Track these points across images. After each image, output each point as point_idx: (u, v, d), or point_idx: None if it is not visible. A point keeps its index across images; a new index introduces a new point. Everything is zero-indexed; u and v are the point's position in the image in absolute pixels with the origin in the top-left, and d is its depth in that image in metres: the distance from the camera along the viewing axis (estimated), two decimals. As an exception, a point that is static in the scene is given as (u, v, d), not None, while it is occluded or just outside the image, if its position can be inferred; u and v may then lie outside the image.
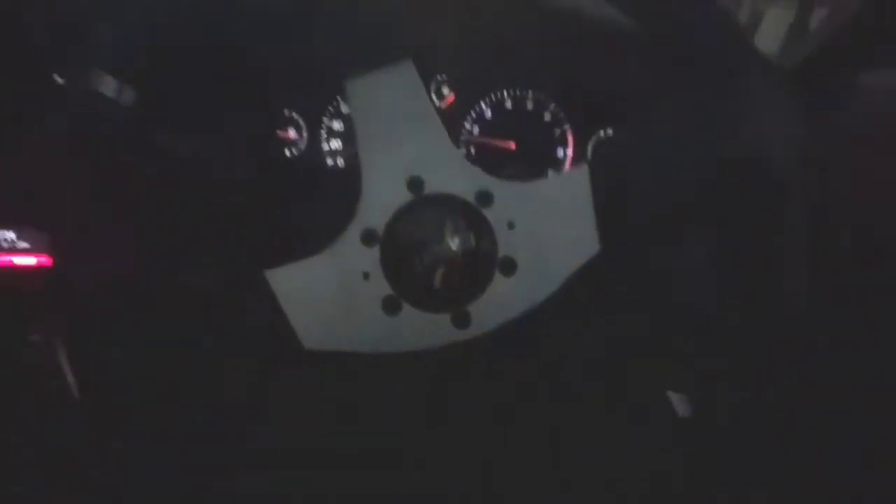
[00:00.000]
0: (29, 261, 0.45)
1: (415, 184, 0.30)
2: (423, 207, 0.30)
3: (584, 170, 0.29)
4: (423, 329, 0.30)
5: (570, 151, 0.55)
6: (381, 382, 0.35)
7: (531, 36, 0.50)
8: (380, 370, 0.31)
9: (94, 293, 0.29)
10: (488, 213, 0.30)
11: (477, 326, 0.30)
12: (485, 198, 0.30)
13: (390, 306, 0.30)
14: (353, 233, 0.30)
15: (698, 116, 0.30)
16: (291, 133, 0.56)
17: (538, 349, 0.39)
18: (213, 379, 0.36)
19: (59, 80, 0.29)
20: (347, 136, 0.56)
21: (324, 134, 0.56)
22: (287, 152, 0.57)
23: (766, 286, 0.32)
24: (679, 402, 0.56)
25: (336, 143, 0.57)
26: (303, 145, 0.57)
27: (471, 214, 0.30)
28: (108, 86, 0.29)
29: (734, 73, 0.28)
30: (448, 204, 0.30)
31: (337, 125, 0.56)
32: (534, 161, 0.55)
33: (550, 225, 0.30)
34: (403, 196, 0.30)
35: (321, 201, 0.32)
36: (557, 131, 0.55)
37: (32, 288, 0.43)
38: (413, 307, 0.30)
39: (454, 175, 0.30)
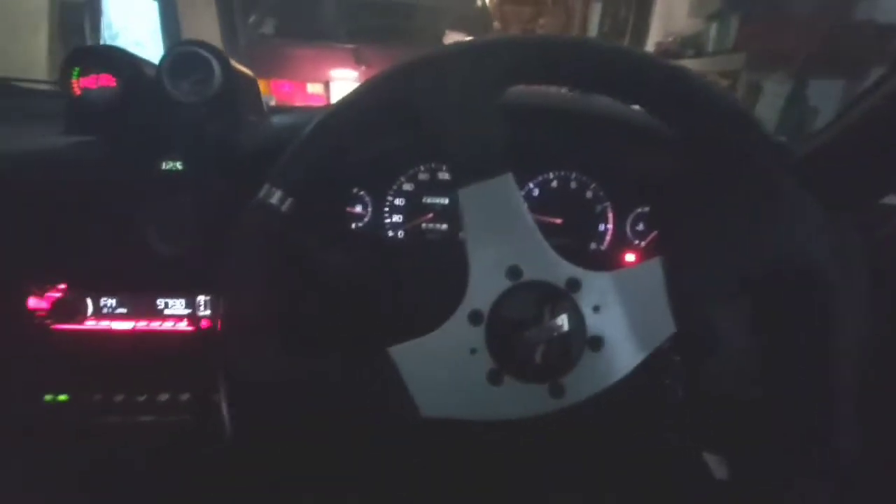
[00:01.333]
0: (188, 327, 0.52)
1: (514, 272, 0.35)
2: (522, 292, 0.35)
3: (657, 262, 0.35)
4: (523, 398, 0.34)
5: (610, 226, 0.61)
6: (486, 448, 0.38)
7: (576, 130, 0.57)
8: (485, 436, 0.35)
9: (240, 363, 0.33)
10: (577, 298, 0.35)
11: (570, 396, 0.34)
12: (574, 284, 0.35)
13: (494, 378, 0.34)
14: (461, 314, 0.35)
15: (736, 218, 0.35)
16: (358, 208, 0.63)
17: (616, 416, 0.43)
18: (340, 443, 0.39)
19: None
20: (409, 212, 0.63)
21: (387, 209, 0.63)
22: (353, 225, 0.63)
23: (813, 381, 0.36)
24: (716, 464, 0.58)
25: (397, 217, 0.63)
26: (367, 219, 0.63)
27: (563, 299, 0.35)
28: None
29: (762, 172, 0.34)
30: (543, 289, 0.35)
31: (399, 201, 0.63)
32: (577, 235, 0.62)
33: (630, 308, 0.35)
34: (504, 283, 0.35)
35: (433, 289, 0.37)
36: (598, 208, 0.61)
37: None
38: (514, 379, 0.34)
39: (547, 265, 0.35)
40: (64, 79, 0.53)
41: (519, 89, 0.37)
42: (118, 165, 0.53)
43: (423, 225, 0.63)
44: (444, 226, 0.63)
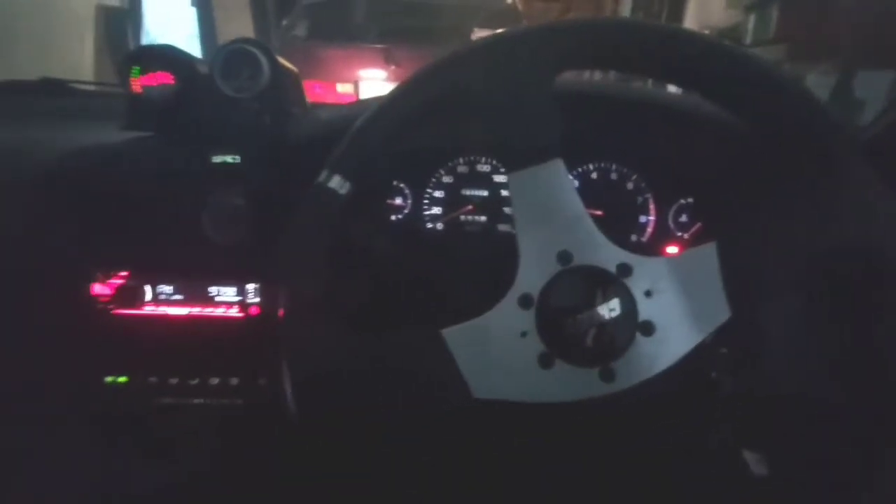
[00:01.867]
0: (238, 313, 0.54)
1: (564, 257, 0.36)
2: (572, 277, 0.35)
3: (711, 247, 0.35)
4: (574, 382, 0.35)
5: (652, 218, 0.61)
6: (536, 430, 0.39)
7: (618, 119, 0.57)
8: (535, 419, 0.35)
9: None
10: (628, 283, 0.35)
11: (621, 381, 0.34)
12: (625, 269, 0.35)
13: (544, 361, 0.35)
14: (511, 298, 0.36)
15: (800, 202, 0.35)
16: (398, 200, 0.64)
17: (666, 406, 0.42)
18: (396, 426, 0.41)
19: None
20: (448, 204, 0.64)
21: (426, 201, 0.64)
22: (393, 217, 0.64)
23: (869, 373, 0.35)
24: (755, 461, 0.57)
25: (436, 210, 0.64)
26: (407, 210, 0.64)
27: (614, 283, 0.35)
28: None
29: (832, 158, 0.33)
30: (594, 274, 0.35)
31: (438, 194, 0.64)
32: (618, 227, 0.61)
33: (683, 294, 0.35)
34: (554, 267, 0.36)
35: (475, 277, 0.38)
36: (640, 199, 0.61)
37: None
38: (564, 362, 0.35)
39: (598, 250, 0.36)
40: (123, 77, 0.56)
41: (560, 77, 0.38)
42: (175, 159, 0.56)
43: (462, 217, 0.64)
44: (483, 218, 0.64)
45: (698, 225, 0.59)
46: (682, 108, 0.53)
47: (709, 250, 0.34)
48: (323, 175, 0.36)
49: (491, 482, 0.48)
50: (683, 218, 0.60)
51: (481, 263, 0.53)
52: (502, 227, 0.63)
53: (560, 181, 0.36)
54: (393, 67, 2.09)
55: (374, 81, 2.10)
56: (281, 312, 0.34)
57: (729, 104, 0.36)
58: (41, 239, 0.55)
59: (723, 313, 0.34)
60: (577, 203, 0.36)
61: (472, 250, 0.62)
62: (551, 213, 0.36)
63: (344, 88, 2.08)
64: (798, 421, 0.52)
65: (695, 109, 0.52)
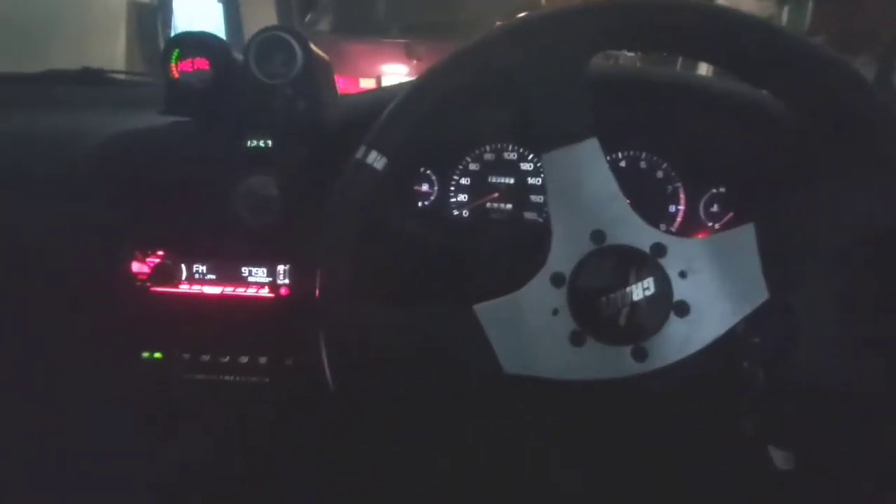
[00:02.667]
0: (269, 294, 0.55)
1: (597, 236, 0.36)
2: (606, 256, 0.35)
3: (749, 228, 0.34)
4: (606, 360, 0.35)
5: (682, 207, 0.60)
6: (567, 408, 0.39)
7: (649, 106, 0.56)
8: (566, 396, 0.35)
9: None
10: (663, 263, 0.35)
11: (654, 361, 0.34)
12: (659, 249, 0.35)
13: (576, 339, 0.35)
14: (543, 275, 0.36)
15: (844, 185, 0.34)
16: (425, 187, 0.65)
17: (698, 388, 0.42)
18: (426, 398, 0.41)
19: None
20: (474, 191, 0.64)
21: (452, 188, 0.64)
22: (419, 203, 0.65)
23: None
24: (779, 456, 0.56)
25: (462, 197, 0.65)
26: (433, 197, 0.65)
27: (648, 263, 0.35)
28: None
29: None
30: (628, 253, 0.35)
31: (464, 181, 0.64)
32: (646, 216, 0.61)
33: (719, 274, 0.34)
34: (587, 246, 0.36)
35: (509, 260, 0.38)
36: (669, 188, 0.60)
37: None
38: (596, 341, 0.35)
39: (632, 230, 0.36)
40: (164, 62, 0.58)
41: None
42: (211, 144, 0.57)
43: (488, 204, 0.64)
44: (509, 205, 0.64)
45: (730, 215, 0.58)
46: (715, 91, 0.52)
47: (746, 231, 0.34)
48: (360, 151, 0.36)
49: (515, 459, 0.48)
50: (715, 208, 0.59)
51: (506, 251, 0.54)
52: (528, 215, 0.63)
53: (595, 161, 0.36)
54: (415, 62, 2.09)
55: (397, 76, 2.11)
56: (318, 286, 0.35)
57: (777, 86, 0.35)
58: (85, 219, 0.57)
59: (760, 295, 0.34)
60: (611, 183, 0.36)
61: (498, 238, 0.62)
62: (585, 192, 0.36)
63: (367, 83, 2.09)
64: (830, 416, 0.51)
65: (728, 93, 0.51)
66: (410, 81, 0.38)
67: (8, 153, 0.61)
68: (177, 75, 0.58)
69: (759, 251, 0.34)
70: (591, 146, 0.36)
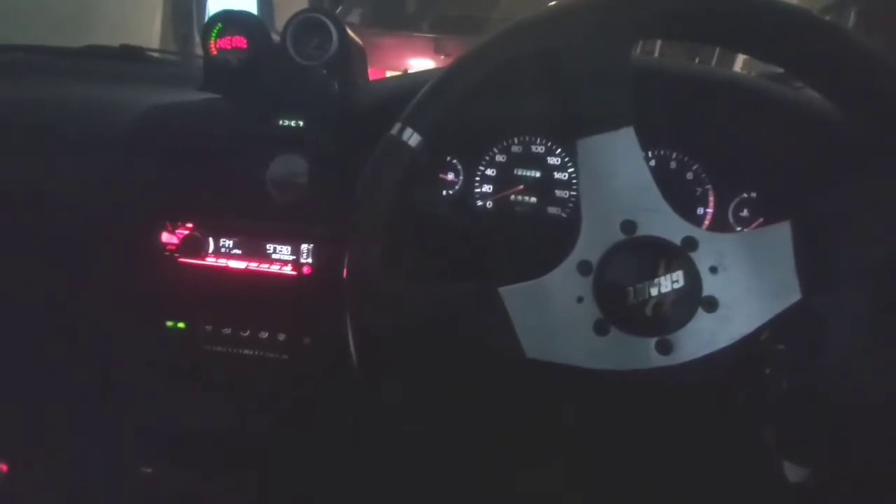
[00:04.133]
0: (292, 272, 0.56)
1: (628, 226, 0.35)
2: (635, 247, 0.35)
3: (785, 226, 0.34)
4: (629, 351, 0.34)
5: (710, 210, 0.59)
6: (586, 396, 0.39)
7: (684, 102, 0.55)
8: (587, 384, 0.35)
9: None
10: (693, 257, 0.34)
11: (678, 355, 0.34)
12: (690, 243, 0.35)
13: (600, 328, 0.35)
14: (570, 263, 0.36)
15: (887, 189, 0.33)
16: (450, 176, 0.65)
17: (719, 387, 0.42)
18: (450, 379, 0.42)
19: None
20: (499, 183, 0.64)
21: (478, 179, 0.64)
22: (444, 192, 0.65)
23: None
24: (791, 468, 0.55)
25: (487, 188, 0.64)
26: (458, 186, 0.65)
27: (678, 256, 0.34)
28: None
29: None
30: (658, 245, 0.35)
31: (490, 171, 0.64)
32: None
33: (751, 272, 0.34)
34: (616, 236, 0.36)
35: (539, 245, 0.38)
36: (699, 191, 0.59)
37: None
38: (620, 331, 0.35)
39: (663, 222, 0.35)
40: (205, 38, 0.59)
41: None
42: (244, 121, 0.58)
43: (513, 197, 0.64)
44: (534, 199, 0.63)
45: (759, 220, 0.57)
46: (757, 89, 0.51)
47: (782, 229, 0.34)
48: (395, 127, 0.37)
49: (530, 444, 0.48)
50: (744, 213, 0.58)
51: (527, 244, 0.53)
52: (552, 210, 0.63)
53: (631, 149, 0.35)
54: (442, 57, 2.10)
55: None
56: (347, 258, 0.35)
57: (826, 83, 0.34)
58: (119, 187, 0.59)
59: (792, 295, 0.33)
60: (645, 173, 0.36)
61: (520, 231, 0.62)
62: (618, 181, 0.36)
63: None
64: (852, 429, 0.50)
65: (770, 91, 0.50)
66: (451, 62, 0.38)
67: (47, 119, 0.63)
68: (215, 52, 0.59)
69: (794, 250, 0.33)
70: (628, 135, 0.35)
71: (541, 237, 0.49)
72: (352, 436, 0.59)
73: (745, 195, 0.57)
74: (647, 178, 0.36)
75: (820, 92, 0.35)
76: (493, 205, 0.64)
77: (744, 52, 0.36)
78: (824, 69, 0.34)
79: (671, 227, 0.35)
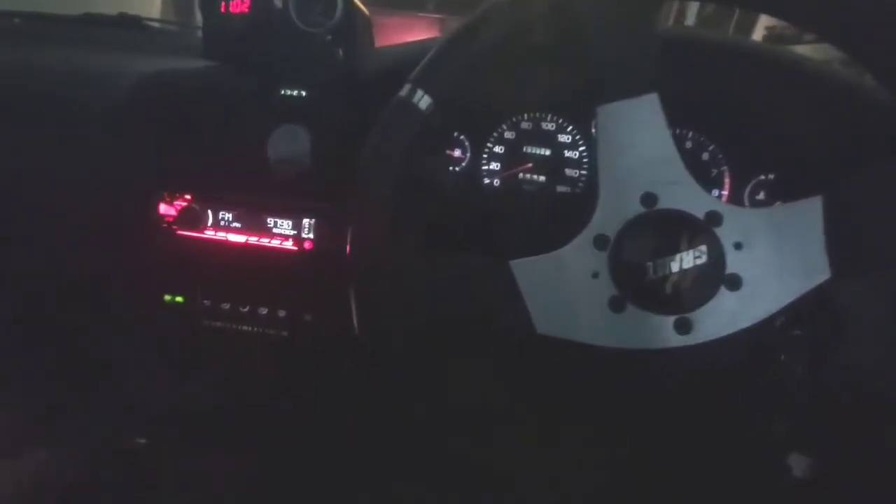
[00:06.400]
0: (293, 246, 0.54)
1: (648, 199, 0.34)
2: (656, 220, 0.33)
3: (815, 201, 0.32)
4: (646, 330, 0.33)
5: (725, 192, 0.57)
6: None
7: (704, 73, 0.53)
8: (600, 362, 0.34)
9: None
10: (718, 233, 0.33)
11: (698, 334, 0.32)
12: (714, 218, 0.33)
13: (615, 305, 0.33)
14: (586, 237, 0.34)
15: None
16: (457, 152, 0.63)
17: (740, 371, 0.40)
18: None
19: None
20: (508, 160, 0.62)
21: (485, 156, 0.62)
22: (451, 168, 0.63)
23: None
24: (798, 463, 0.54)
25: (495, 165, 0.62)
26: (465, 163, 0.63)
27: (701, 231, 0.33)
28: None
29: None
30: (680, 220, 0.33)
31: (498, 149, 0.62)
32: None
33: (778, 249, 0.32)
34: (636, 208, 0.34)
35: (548, 224, 0.36)
36: (714, 172, 0.57)
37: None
38: (637, 308, 0.33)
39: (687, 195, 0.33)
40: (207, 3, 0.56)
41: None
42: (245, 90, 0.56)
43: (521, 175, 0.62)
44: (542, 178, 0.61)
45: (776, 203, 0.55)
46: (786, 62, 0.49)
47: (812, 205, 0.32)
48: (405, 89, 0.35)
49: (535, 421, 0.47)
50: (761, 195, 0.56)
51: (536, 224, 0.52)
52: (561, 188, 0.61)
53: (654, 117, 0.33)
54: (448, 38, 2.06)
55: (429, 52, 2.08)
56: (352, 226, 0.34)
57: (867, 55, 0.32)
58: (117, 155, 0.57)
59: (820, 274, 0.31)
60: (668, 143, 0.34)
61: (528, 210, 0.60)
62: (639, 151, 0.34)
63: (398, 57, 2.07)
64: (868, 422, 0.49)
65: (800, 64, 0.48)
66: (465, 20, 0.36)
67: (43, 87, 0.61)
68: (224, 10, 0.57)
69: (824, 227, 0.31)
70: (652, 101, 0.33)
71: (549, 215, 0.47)
72: (352, 415, 0.58)
73: (762, 177, 0.55)
74: (671, 148, 0.34)
75: (864, 66, 0.33)
76: (501, 182, 0.62)
77: (774, 15, 0.34)
78: (868, 42, 0.32)
79: (695, 201, 0.33)
